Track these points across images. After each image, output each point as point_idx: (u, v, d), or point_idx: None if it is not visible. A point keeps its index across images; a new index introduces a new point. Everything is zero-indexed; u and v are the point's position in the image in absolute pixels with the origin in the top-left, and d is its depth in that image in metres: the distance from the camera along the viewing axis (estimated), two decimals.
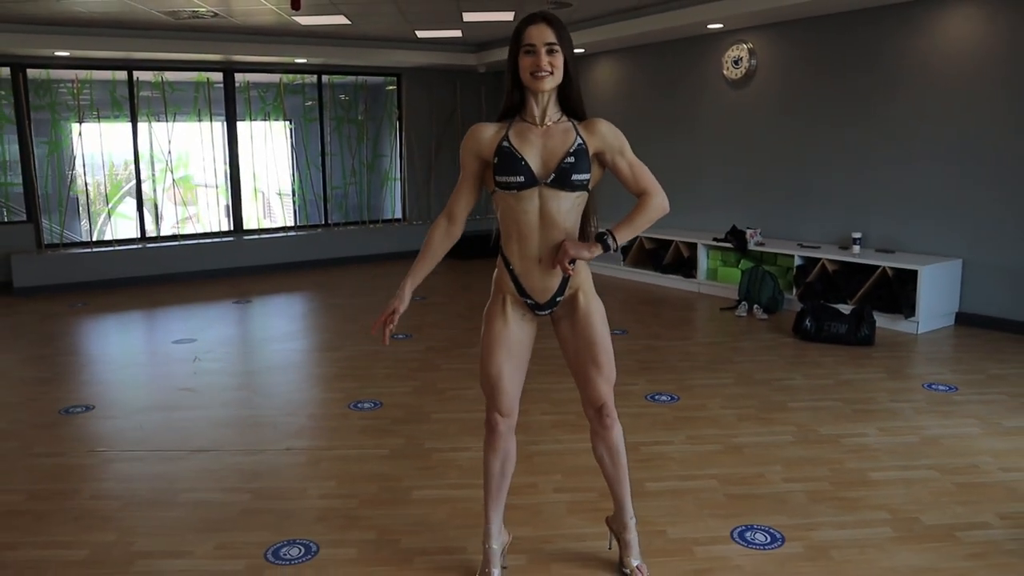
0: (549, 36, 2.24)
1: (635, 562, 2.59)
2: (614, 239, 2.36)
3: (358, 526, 2.98)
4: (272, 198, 9.97)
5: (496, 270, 2.47)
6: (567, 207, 2.34)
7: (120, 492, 3.36)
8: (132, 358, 5.64)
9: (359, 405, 4.38)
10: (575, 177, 2.30)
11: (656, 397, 4.43)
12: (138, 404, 4.55)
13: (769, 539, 2.85)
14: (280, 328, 6.52)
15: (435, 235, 2.45)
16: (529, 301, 2.43)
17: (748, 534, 2.88)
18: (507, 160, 2.30)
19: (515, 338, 2.44)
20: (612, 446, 2.54)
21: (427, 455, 3.66)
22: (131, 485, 3.43)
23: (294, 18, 7.31)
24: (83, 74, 8.36)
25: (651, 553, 2.73)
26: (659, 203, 2.39)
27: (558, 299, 2.43)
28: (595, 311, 2.44)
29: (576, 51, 8.38)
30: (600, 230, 2.40)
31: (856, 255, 6.15)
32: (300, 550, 2.81)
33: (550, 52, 2.24)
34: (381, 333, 2.37)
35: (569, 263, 2.32)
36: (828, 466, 3.47)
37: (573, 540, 2.84)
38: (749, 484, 3.31)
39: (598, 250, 2.34)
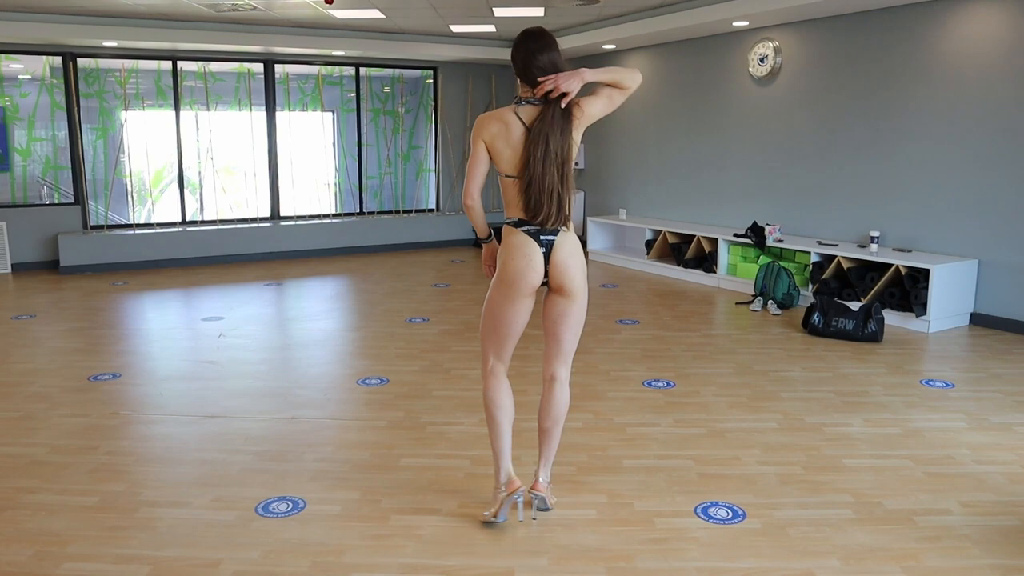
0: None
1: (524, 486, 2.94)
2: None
3: (345, 487, 3.20)
4: (310, 186, 10.27)
5: None
6: None
7: (134, 450, 3.63)
8: (162, 333, 5.95)
9: (367, 381, 4.60)
10: None
11: (653, 383, 4.56)
12: (162, 374, 4.84)
13: (731, 515, 2.98)
14: (306, 309, 6.79)
15: None
16: None
17: (711, 510, 3.02)
18: None
19: None
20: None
21: (422, 427, 3.86)
22: (145, 444, 3.71)
23: (330, 12, 7.57)
24: (130, 64, 8.76)
25: (612, 523, 2.89)
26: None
27: None
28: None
29: (605, 47, 8.64)
30: None
31: (872, 253, 6.18)
32: (288, 505, 3.03)
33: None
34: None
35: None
36: (805, 452, 3.58)
37: None
38: (723, 465, 3.44)
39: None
